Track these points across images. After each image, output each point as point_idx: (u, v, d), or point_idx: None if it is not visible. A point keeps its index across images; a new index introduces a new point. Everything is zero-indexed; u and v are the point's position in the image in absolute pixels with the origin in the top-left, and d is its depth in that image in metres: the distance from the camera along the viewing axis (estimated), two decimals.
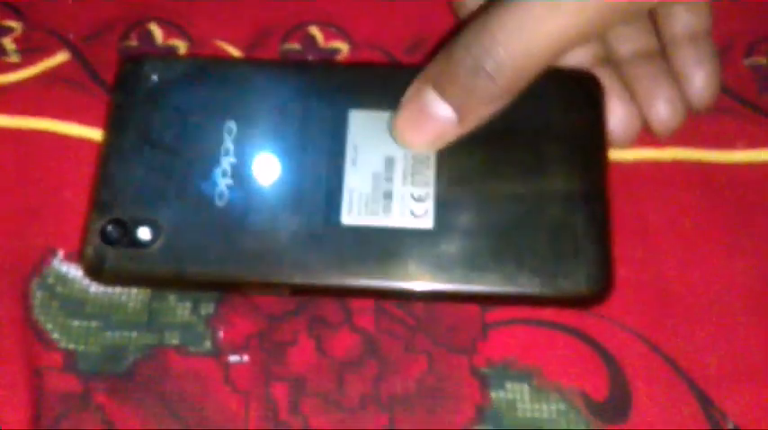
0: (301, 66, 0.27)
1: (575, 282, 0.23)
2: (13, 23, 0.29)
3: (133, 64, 0.26)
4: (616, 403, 0.24)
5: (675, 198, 0.27)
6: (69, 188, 0.26)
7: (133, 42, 0.29)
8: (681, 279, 0.26)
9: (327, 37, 0.29)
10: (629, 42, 0.27)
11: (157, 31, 0.29)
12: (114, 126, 0.25)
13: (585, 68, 0.26)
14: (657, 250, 0.26)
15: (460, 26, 0.26)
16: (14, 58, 0.28)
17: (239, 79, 0.26)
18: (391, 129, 0.25)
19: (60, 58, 0.28)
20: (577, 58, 0.26)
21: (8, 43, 0.29)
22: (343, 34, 0.29)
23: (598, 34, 0.22)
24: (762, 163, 0.27)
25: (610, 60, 0.27)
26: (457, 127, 0.24)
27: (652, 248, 0.26)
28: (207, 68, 0.26)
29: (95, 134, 0.27)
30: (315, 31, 0.29)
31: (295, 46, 0.29)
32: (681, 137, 0.27)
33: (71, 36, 0.29)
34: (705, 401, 0.24)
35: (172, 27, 0.29)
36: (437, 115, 0.24)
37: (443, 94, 0.23)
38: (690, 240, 0.26)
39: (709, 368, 0.24)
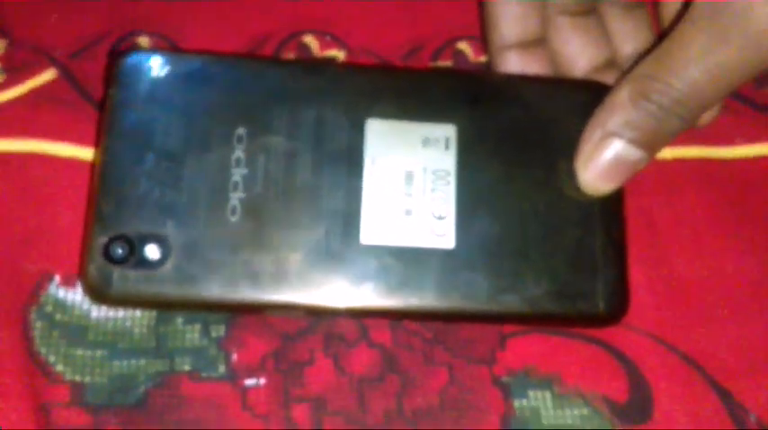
0: (316, 67, 0.26)
1: (593, 302, 0.23)
2: None
3: (130, 59, 0.24)
4: (638, 404, 0.24)
5: (680, 196, 0.27)
6: (62, 210, 0.25)
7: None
8: (691, 276, 0.26)
9: (323, 46, 0.29)
10: (632, 42, 0.27)
11: (147, 45, 0.28)
12: (112, 130, 0.23)
13: (600, 81, 0.26)
14: (666, 249, 0.26)
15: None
16: None
17: (249, 80, 0.24)
18: (582, 183, 0.24)
19: (47, 75, 0.27)
20: (584, 63, 0.26)
21: None
22: (339, 42, 0.29)
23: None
24: (761, 157, 0.28)
25: (615, 62, 0.27)
26: (647, 160, 0.24)
27: (660, 247, 0.26)
28: (214, 66, 0.24)
29: (87, 153, 0.26)
30: (310, 39, 0.29)
31: (290, 55, 0.28)
32: (681, 135, 0.27)
33: (57, 53, 0.28)
34: (725, 396, 0.24)
35: (162, 39, 0.28)
36: (631, 161, 0.24)
37: (635, 142, 0.23)
38: (697, 237, 0.26)
39: (726, 363, 0.25)
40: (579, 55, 0.27)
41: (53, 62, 0.27)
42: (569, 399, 0.24)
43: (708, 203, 0.27)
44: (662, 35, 0.27)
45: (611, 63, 0.27)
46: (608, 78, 0.26)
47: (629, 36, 0.27)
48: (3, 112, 0.26)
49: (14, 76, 0.27)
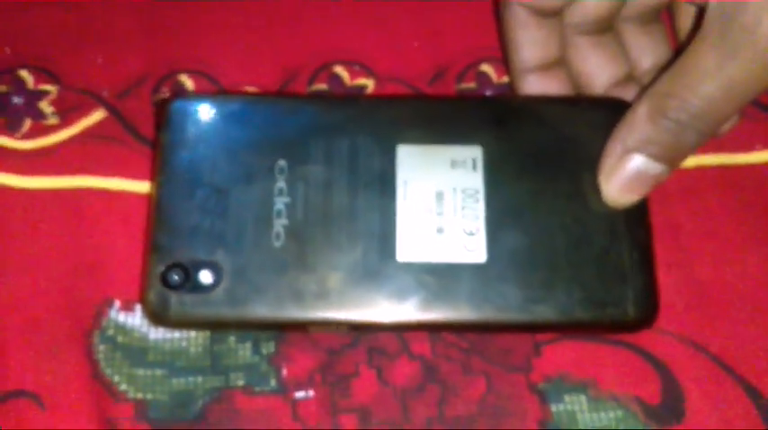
0: (348, 99, 0.28)
1: (623, 309, 0.24)
2: (48, 87, 0.30)
3: (178, 104, 0.26)
4: (670, 405, 0.25)
5: (703, 202, 0.28)
6: (116, 241, 0.27)
7: (166, 95, 0.30)
8: (716, 278, 0.26)
9: (353, 75, 0.30)
10: (650, 56, 0.28)
11: (188, 82, 0.30)
12: (164, 168, 0.25)
13: (618, 97, 0.27)
14: (691, 253, 0.27)
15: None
16: (53, 120, 0.29)
17: (287, 116, 0.26)
18: (606, 197, 0.25)
19: (97, 116, 0.29)
20: (603, 79, 0.27)
21: (45, 106, 0.29)
22: (367, 71, 0.30)
23: None
24: None
25: (633, 77, 0.28)
26: (668, 173, 0.25)
27: (686, 251, 0.27)
28: (254, 105, 0.26)
29: (137, 186, 0.28)
30: (340, 69, 0.30)
31: (322, 86, 0.30)
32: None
33: (105, 94, 0.29)
34: (755, 395, 0.25)
35: (201, 77, 0.30)
36: (652, 175, 0.24)
37: (655, 157, 0.24)
38: (720, 241, 0.27)
39: (755, 362, 0.25)
40: (599, 72, 0.27)
41: (101, 102, 0.29)
42: (604, 402, 0.25)
43: (729, 208, 0.28)
44: (679, 50, 0.27)
45: (630, 78, 0.28)
46: (628, 92, 0.27)
47: (646, 51, 0.28)
48: (59, 152, 0.28)
49: (67, 118, 0.29)
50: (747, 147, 0.29)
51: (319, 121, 0.26)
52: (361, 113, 0.26)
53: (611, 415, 0.25)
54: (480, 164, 0.25)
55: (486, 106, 0.27)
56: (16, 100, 0.29)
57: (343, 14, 0.31)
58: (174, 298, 0.24)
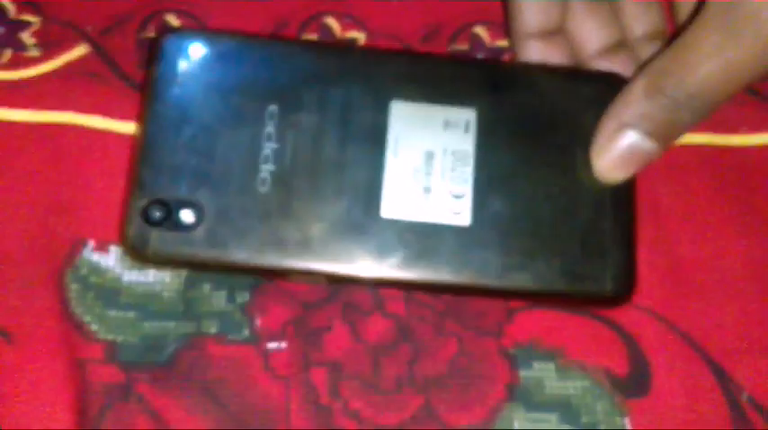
0: (345, 50, 0.27)
1: (602, 284, 0.24)
2: (31, 18, 0.29)
3: (172, 39, 0.25)
4: (637, 378, 0.25)
5: (685, 180, 0.28)
6: (95, 180, 0.27)
7: (151, 33, 0.29)
8: (693, 257, 0.27)
9: (344, 27, 0.30)
10: (642, 24, 0.28)
11: (175, 22, 0.29)
12: (154, 103, 0.24)
13: (617, 72, 0.26)
14: (670, 230, 0.27)
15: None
16: (34, 53, 0.28)
17: (283, 61, 0.25)
18: (596, 171, 0.25)
19: (79, 50, 0.28)
20: (595, 44, 0.27)
21: (27, 38, 0.28)
22: (360, 24, 0.30)
23: None
24: (765, 145, 0.28)
25: (625, 44, 0.28)
26: (660, 152, 0.25)
27: (664, 229, 0.27)
28: (249, 47, 0.26)
29: (118, 126, 0.27)
30: (331, 21, 0.30)
31: (313, 36, 0.29)
32: None
33: (89, 29, 0.29)
34: (720, 374, 0.25)
35: (189, 18, 0.29)
36: (644, 152, 0.24)
37: (649, 134, 0.24)
38: (700, 220, 0.27)
39: (723, 342, 0.26)
40: (591, 36, 0.27)
41: (85, 38, 0.29)
42: (572, 371, 0.25)
43: (711, 188, 0.28)
44: (677, 31, 0.27)
45: (621, 44, 0.28)
46: (619, 59, 0.27)
47: (639, 19, 0.28)
48: (39, 86, 0.28)
49: (49, 51, 0.28)
50: (733, 128, 0.29)
51: (315, 69, 0.25)
52: (358, 65, 0.26)
53: (578, 384, 0.25)
54: (473, 127, 0.25)
55: (483, 70, 0.26)
56: None
57: None
58: (153, 234, 0.23)
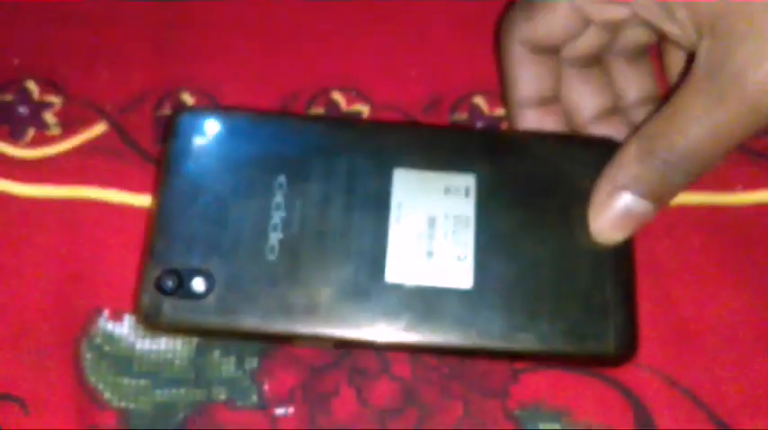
0: (349, 122, 0.29)
1: (604, 344, 0.24)
2: (53, 98, 0.30)
3: (186, 116, 0.27)
4: None
5: (684, 240, 0.28)
6: (111, 251, 0.28)
7: (167, 111, 0.30)
8: (694, 315, 0.27)
9: (349, 101, 0.31)
10: (635, 90, 0.29)
11: (189, 100, 0.31)
12: (168, 177, 0.26)
13: (609, 137, 0.27)
14: (670, 289, 0.28)
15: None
16: (56, 131, 0.30)
17: (290, 134, 0.27)
18: (594, 233, 0.26)
19: (99, 128, 0.30)
20: (589, 109, 0.28)
21: (49, 117, 0.30)
22: (363, 97, 0.31)
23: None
24: (761, 203, 0.29)
25: (619, 109, 0.29)
26: (655, 212, 0.25)
27: (665, 287, 0.28)
28: (258, 122, 0.27)
29: (134, 199, 0.28)
30: (337, 95, 0.31)
31: (319, 110, 0.31)
32: None
33: (108, 107, 0.30)
34: None
35: (203, 95, 0.31)
36: (639, 213, 0.25)
37: (643, 195, 0.25)
38: (701, 279, 0.28)
39: (727, 400, 0.26)
40: (586, 102, 0.28)
41: (104, 116, 0.30)
42: None
43: (711, 247, 0.28)
44: (669, 91, 0.28)
45: (614, 110, 0.29)
46: (613, 124, 0.28)
47: (632, 84, 0.29)
48: (60, 162, 0.29)
49: (70, 129, 0.30)
50: (729, 187, 0.29)
51: (321, 141, 0.27)
52: (361, 136, 0.27)
53: None
54: (473, 192, 0.26)
55: (482, 138, 0.28)
56: (21, 110, 0.30)
57: (343, 42, 0.32)
58: (166, 303, 0.24)
